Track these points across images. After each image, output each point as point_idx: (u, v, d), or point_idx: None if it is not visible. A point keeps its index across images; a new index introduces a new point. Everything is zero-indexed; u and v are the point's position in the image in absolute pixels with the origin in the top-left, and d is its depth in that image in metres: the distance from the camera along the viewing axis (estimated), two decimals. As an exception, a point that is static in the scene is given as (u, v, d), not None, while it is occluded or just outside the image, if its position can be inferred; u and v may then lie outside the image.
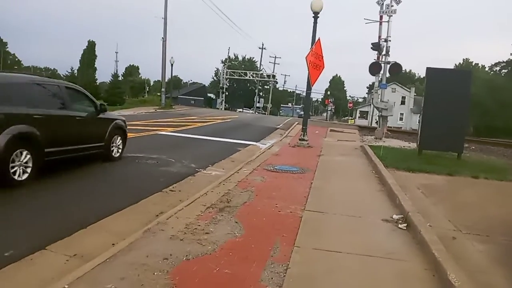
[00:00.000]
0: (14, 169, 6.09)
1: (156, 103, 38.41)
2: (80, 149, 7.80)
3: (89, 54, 45.52)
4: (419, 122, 12.98)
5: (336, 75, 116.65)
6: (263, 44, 67.81)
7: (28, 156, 6.31)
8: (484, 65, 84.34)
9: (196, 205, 5.64)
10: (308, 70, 13.20)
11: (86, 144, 7.99)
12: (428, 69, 11.88)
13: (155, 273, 3.48)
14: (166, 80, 36.57)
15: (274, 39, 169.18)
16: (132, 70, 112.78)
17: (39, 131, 6.47)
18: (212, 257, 3.89)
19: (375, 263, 3.97)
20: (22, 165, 6.23)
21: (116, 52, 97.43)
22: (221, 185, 6.98)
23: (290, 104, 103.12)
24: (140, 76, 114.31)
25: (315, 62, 13.31)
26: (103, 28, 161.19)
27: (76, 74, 45.12)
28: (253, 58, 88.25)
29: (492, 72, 79.81)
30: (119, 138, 9.11)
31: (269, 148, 12.85)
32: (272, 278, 3.47)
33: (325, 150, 13.00)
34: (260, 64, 72.64)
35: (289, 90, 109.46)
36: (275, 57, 68.02)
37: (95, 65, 46.12)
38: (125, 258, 3.78)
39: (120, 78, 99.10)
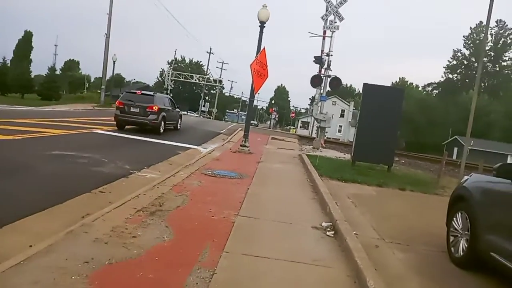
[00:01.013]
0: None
1: (95, 100, 36.89)
2: (171, 124, 18.17)
3: (25, 45, 42.67)
4: (354, 135, 13.56)
5: (281, 85, 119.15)
6: (211, 49, 67.56)
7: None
8: (417, 85, 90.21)
9: (125, 208, 5.44)
10: (252, 78, 13.34)
11: (173, 121, 18.59)
12: (364, 84, 12.48)
13: (73, 277, 3.29)
14: (107, 78, 35.22)
15: (223, 45, 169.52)
16: (71, 65, 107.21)
17: (166, 114, 16.90)
18: (136, 261, 3.75)
19: (301, 269, 4.05)
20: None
21: (56, 45, 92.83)
22: (155, 188, 6.79)
23: (235, 110, 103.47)
24: (80, 71, 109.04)
25: (260, 71, 13.48)
26: (42, 19, 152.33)
27: (8, 65, 42.05)
28: (200, 61, 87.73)
29: (424, 92, 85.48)
30: (180, 120, 19.92)
31: (210, 153, 12.76)
32: (197, 284, 3.42)
33: (265, 157, 13.16)
34: (207, 68, 72.26)
35: (235, 96, 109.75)
36: (223, 62, 68.07)
37: (31, 57, 43.34)
38: (42, 260, 3.55)
39: (58, 73, 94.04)
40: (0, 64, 44.19)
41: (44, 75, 46.90)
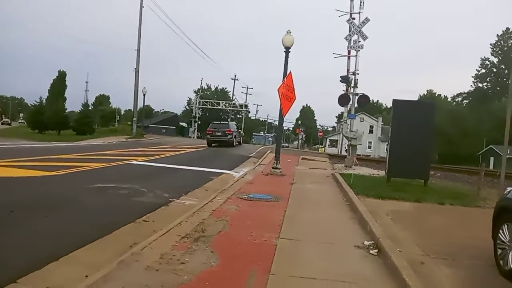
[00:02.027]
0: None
1: (126, 132, 38.03)
2: (238, 140, 29.22)
3: (59, 84, 44.80)
4: (387, 151, 13.44)
5: (306, 105, 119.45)
6: (235, 75, 68.90)
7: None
8: (446, 96, 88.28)
9: (170, 235, 5.62)
10: (280, 102, 13.57)
11: (238, 138, 29.60)
12: (394, 101, 12.45)
13: (132, 304, 3.45)
14: (137, 110, 36.38)
15: (247, 70, 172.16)
16: (102, 100, 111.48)
17: (236, 134, 29.15)
18: (188, 287, 3.89)
19: (349, 289, 4.07)
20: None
21: (86, 82, 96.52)
22: (195, 214, 6.97)
23: (262, 133, 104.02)
24: (110, 105, 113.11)
25: (287, 94, 13.72)
26: (74, 58, 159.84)
27: (44, 104, 44.20)
28: (225, 88, 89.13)
29: (454, 103, 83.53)
30: (241, 138, 31.35)
31: (242, 177, 12.92)
32: (249, 306, 3.51)
33: (298, 178, 13.20)
34: (233, 94, 73.51)
35: (261, 119, 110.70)
36: (247, 87, 69.16)
37: (65, 95, 45.44)
38: (100, 290, 3.73)
39: (90, 108, 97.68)
40: (37, 103, 46.53)
41: (78, 111, 48.96)
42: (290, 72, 13.63)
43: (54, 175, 10.57)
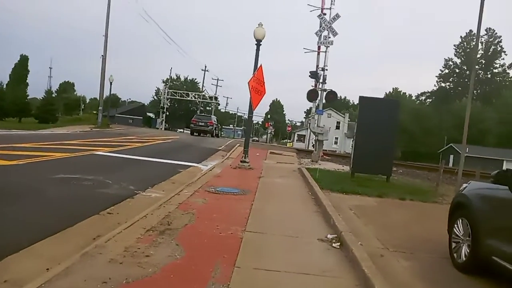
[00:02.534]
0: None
1: (92, 122, 36.95)
2: (216, 132, 34.18)
3: (21, 69, 42.93)
4: (352, 147, 13.77)
5: (276, 99, 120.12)
6: (205, 66, 68.24)
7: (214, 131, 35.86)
8: (411, 94, 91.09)
9: (135, 228, 5.57)
10: (250, 95, 13.60)
11: (217, 130, 34.40)
12: (360, 97, 12.75)
13: (93, 298, 3.42)
14: (104, 98, 35.43)
15: (218, 62, 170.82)
16: (66, 87, 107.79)
17: (216, 126, 36.66)
18: (152, 279, 3.89)
19: (311, 281, 4.19)
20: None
21: (50, 68, 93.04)
22: (161, 207, 6.92)
23: (231, 126, 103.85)
24: (75, 93, 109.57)
25: (257, 88, 13.76)
26: (37, 42, 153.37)
27: (4, 89, 42.22)
28: (195, 79, 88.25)
29: (418, 101, 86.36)
30: (220, 131, 37.07)
31: (210, 170, 12.91)
32: (213, 298, 3.55)
33: (265, 172, 13.32)
34: (203, 85, 72.83)
35: (231, 112, 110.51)
36: (217, 79, 68.76)
37: (27, 81, 43.55)
38: (61, 283, 3.67)
39: (53, 95, 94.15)
40: (-5, 89, 44.50)
41: (40, 98, 47.12)
42: (261, 66, 13.68)
43: (15, 165, 10.19)
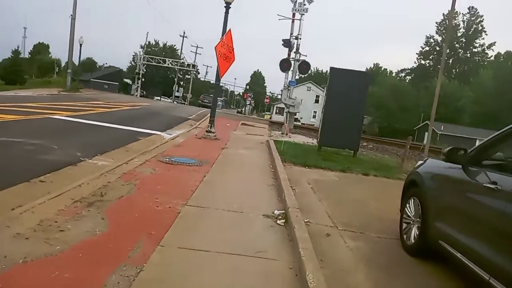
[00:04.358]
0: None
1: (62, 85, 35.48)
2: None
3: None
4: (320, 120, 13.38)
5: (258, 70, 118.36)
6: (184, 32, 66.40)
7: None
8: (391, 71, 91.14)
9: (62, 199, 5.04)
10: (218, 61, 12.92)
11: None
12: (331, 68, 12.26)
13: (-25, 280, 2.92)
14: (76, 62, 33.88)
15: (197, 29, 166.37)
16: (41, 49, 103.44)
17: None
18: (56, 258, 3.40)
19: (242, 262, 3.79)
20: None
21: (25, 28, 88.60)
22: (101, 176, 6.38)
23: (211, 96, 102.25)
24: (50, 55, 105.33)
25: (226, 54, 13.06)
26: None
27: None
28: (174, 45, 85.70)
29: (398, 78, 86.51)
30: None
31: (173, 139, 12.34)
32: (118, 283, 3.10)
33: (231, 143, 12.85)
34: (181, 52, 70.89)
35: (211, 82, 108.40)
36: (197, 46, 66.94)
37: (-8, 39, 41.11)
38: None
39: (27, 56, 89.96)
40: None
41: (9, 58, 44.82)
42: (229, 30, 12.94)
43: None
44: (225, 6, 13.02)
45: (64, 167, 7.04)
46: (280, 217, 5.24)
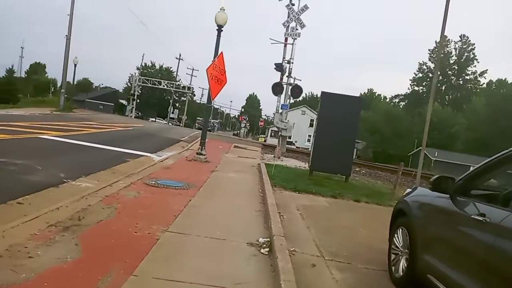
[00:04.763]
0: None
1: (56, 105, 35.36)
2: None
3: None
4: (311, 144, 13.28)
5: (253, 93, 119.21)
6: (180, 55, 66.88)
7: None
8: (385, 96, 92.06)
9: (37, 222, 4.82)
10: (209, 83, 12.89)
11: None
12: (322, 93, 12.25)
13: None
14: (70, 81, 33.87)
15: (193, 52, 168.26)
16: (38, 68, 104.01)
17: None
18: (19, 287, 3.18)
19: (219, 295, 3.57)
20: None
21: (22, 48, 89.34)
22: (82, 199, 6.17)
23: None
24: (46, 75, 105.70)
25: (217, 76, 13.05)
26: (7, 21, 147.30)
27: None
28: (170, 67, 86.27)
29: (392, 104, 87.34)
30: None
31: (162, 161, 12.17)
32: (81, 317, 2.88)
33: (221, 166, 12.68)
34: (177, 74, 71.32)
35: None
36: (193, 69, 67.36)
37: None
38: None
39: (23, 76, 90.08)
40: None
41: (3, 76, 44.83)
42: (221, 53, 12.95)
43: None
44: (217, 29, 13.07)
45: (45, 189, 6.82)
46: (264, 245, 5.04)
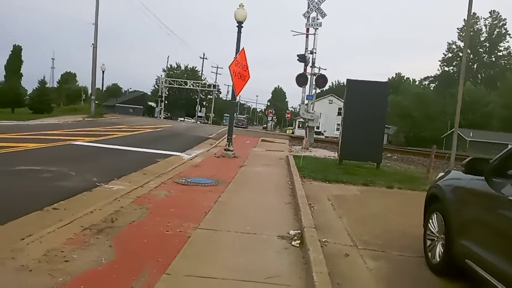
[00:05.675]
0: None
1: (88, 112, 36.42)
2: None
3: (15, 59, 42.25)
4: (340, 132, 13.08)
5: (278, 86, 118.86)
6: (204, 54, 67.33)
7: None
8: (415, 79, 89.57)
9: (73, 226, 4.96)
10: (232, 80, 12.90)
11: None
12: (348, 80, 12.01)
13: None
14: (99, 88, 34.82)
15: (217, 50, 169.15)
16: (68, 78, 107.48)
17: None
18: (55, 292, 3.28)
19: (251, 290, 3.56)
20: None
21: (53, 59, 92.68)
22: (115, 201, 6.31)
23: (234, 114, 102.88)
24: (77, 83, 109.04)
25: (240, 72, 13.04)
26: (38, 33, 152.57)
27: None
28: (196, 67, 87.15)
29: (422, 86, 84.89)
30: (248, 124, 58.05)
31: (191, 159, 12.30)
32: (117, 317, 2.93)
33: (249, 161, 12.69)
34: (202, 73, 71.95)
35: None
36: (217, 67, 67.74)
37: (21, 71, 42.89)
38: None
39: (55, 86, 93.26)
40: (-9, 80, 43.99)
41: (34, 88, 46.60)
42: (243, 49, 12.93)
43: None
44: (237, 26, 13.05)
45: (79, 193, 7.01)
46: (295, 237, 4.99)
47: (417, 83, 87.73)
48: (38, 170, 8.59)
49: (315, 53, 16.67)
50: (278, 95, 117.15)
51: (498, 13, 75.93)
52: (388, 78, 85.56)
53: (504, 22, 75.91)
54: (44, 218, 5.59)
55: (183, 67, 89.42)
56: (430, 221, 4.51)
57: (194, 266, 3.96)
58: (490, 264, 3.12)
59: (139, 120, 35.34)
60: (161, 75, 61.97)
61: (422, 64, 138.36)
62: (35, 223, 5.30)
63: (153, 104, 79.89)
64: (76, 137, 15.12)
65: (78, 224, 5.06)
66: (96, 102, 33.80)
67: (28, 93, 47.03)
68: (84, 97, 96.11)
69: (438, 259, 4.20)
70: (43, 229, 4.84)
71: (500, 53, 78.15)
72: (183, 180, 8.45)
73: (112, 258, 4.04)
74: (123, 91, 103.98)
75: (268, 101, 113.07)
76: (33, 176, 8.03)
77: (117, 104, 75.77)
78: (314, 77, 17.06)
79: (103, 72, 34.56)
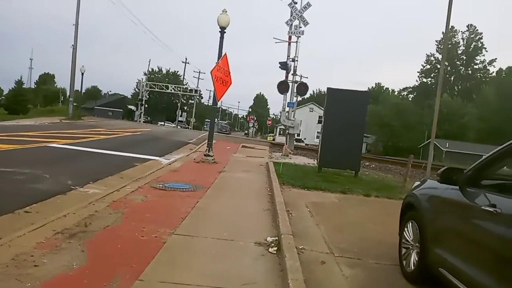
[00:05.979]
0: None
1: (66, 114, 35.69)
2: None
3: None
4: (319, 140, 13.18)
5: (260, 93, 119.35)
6: (186, 58, 67.17)
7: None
8: (394, 90, 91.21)
9: (44, 230, 4.82)
10: (214, 85, 12.86)
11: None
12: (328, 89, 12.13)
13: None
14: (78, 90, 34.19)
15: (199, 55, 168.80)
16: (46, 78, 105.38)
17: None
18: (24, 298, 3.16)
19: (226, 297, 3.52)
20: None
21: (31, 59, 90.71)
22: (90, 205, 6.17)
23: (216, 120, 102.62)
24: (56, 85, 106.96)
25: (222, 78, 13.02)
26: (17, 34, 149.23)
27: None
28: (177, 71, 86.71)
29: (400, 96, 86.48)
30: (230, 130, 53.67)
31: (170, 164, 12.16)
32: (86, 325, 2.85)
33: (229, 167, 12.64)
34: (183, 78, 71.59)
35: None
36: (199, 72, 67.55)
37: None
38: None
39: (33, 86, 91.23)
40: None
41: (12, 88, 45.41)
42: (225, 54, 12.92)
43: None
44: (220, 31, 13.04)
45: (53, 196, 6.83)
46: (272, 244, 4.97)
47: (396, 93, 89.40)
48: (11, 172, 8.34)
49: (297, 61, 16.82)
50: (260, 102, 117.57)
51: (475, 27, 78.25)
52: (368, 87, 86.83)
53: (480, 36, 78.22)
54: (15, 221, 5.42)
55: (164, 71, 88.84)
56: (406, 229, 4.56)
57: (168, 273, 3.89)
58: (463, 273, 3.16)
59: (118, 123, 34.82)
60: (142, 79, 61.26)
61: (402, 75, 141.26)
62: (5, 227, 5.13)
63: (133, 107, 79.02)
64: (52, 139, 14.77)
65: (50, 228, 4.92)
66: (75, 104, 33.17)
67: (4, 93, 45.90)
68: (62, 99, 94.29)
69: (412, 267, 4.24)
70: (13, 232, 4.68)
71: (476, 66, 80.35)
72: (161, 185, 8.34)
73: (84, 263, 3.93)
74: (102, 94, 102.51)
75: (250, 107, 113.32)
76: (5, 178, 7.80)
77: (96, 107, 74.67)
78: (296, 85, 17.18)
79: (82, 74, 33.97)
